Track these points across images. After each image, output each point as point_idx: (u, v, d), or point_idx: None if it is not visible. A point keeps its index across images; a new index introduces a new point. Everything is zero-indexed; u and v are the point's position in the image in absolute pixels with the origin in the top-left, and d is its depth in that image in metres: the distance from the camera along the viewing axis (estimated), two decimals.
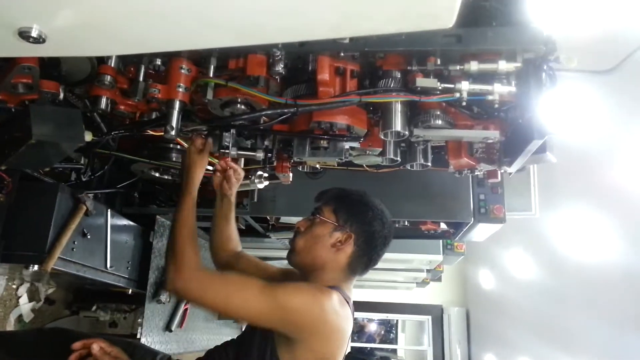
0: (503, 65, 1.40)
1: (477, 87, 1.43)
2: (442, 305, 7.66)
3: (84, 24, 0.92)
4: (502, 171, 1.79)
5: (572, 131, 3.07)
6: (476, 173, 1.79)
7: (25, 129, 1.43)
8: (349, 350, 1.57)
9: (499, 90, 1.43)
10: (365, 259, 1.56)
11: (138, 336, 2.55)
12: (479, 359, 6.96)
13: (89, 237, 2.05)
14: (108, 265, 2.21)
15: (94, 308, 3.22)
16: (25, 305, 2.85)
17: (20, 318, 2.83)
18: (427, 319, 7.78)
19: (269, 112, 1.55)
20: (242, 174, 1.82)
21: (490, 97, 1.45)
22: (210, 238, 1.85)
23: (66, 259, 1.93)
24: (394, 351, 8.88)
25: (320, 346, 1.38)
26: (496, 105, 1.50)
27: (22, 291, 2.82)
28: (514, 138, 1.59)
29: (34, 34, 0.90)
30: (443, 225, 2.84)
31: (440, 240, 3.61)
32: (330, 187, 1.66)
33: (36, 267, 1.85)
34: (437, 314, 7.65)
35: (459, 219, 2.46)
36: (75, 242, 1.97)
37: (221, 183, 1.77)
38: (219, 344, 1.59)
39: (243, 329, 1.60)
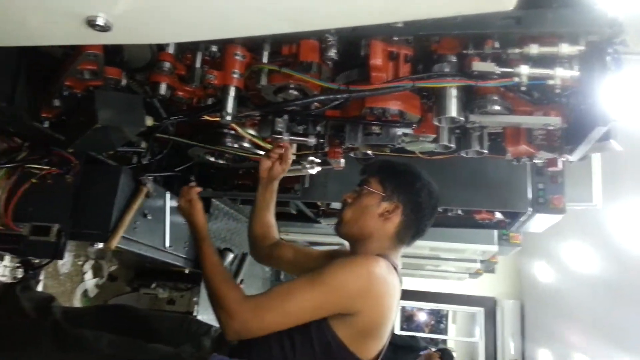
0: (565, 49, 1.34)
1: (538, 71, 1.36)
2: (495, 297, 7.47)
3: (147, 12, 0.96)
4: (563, 159, 1.72)
5: (639, 118, 2.89)
6: (535, 161, 1.73)
7: (90, 113, 1.50)
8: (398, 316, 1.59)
9: (560, 74, 1.36)
10: (412, 228, 1.59)
11: (194, 314, 2.66)
12: (533, 353, 6.76)
13: (149, 217, 2.15)
14: (167, 245, 2.31)
15: (153, 285, 3.37)
16: (89, 281, 3.03)
17: (85, 293, 3.01)
18: (479, 311, 7.62)
19: (321, 97, 1.56)
20: (292, 158, 1.84)
21: (551, 82, 1.38)
22: (250, 227, 1.88)
23: (129, 238, 2.03)
24: (444, 342, 8.77)
25: (371, 312, 1.40)
26: (557, 91, 1.43)
27: (87, 267, 3.00)
28: (576, 125, 1.51)
29: (100, 22, 0.95)
30: (498, 215, 2.76)
31: (495, 231, 3.51)
32: None
33: (101, 245, 1.96)
34: (490, 306, 7.48)
35: (516, 208, 2.38)
36: (137, 222, 2.07)
37: (269, 168, 1.80)
38: None
39: None
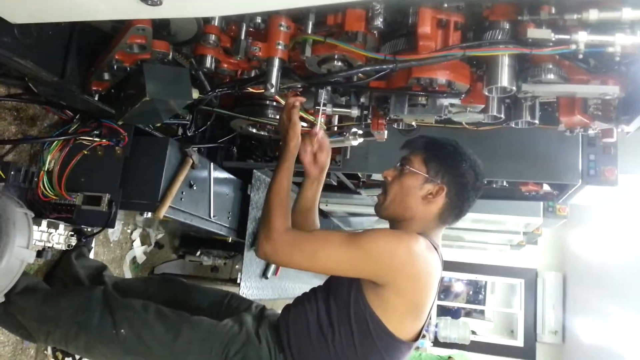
0: (628, 14, 1.24)
1: (597, 38, 1.28)
2: (536, 269, 7.35)
3: None
4: (619, 130, 1.64)
5: None
6: (589, 132, 1.66)
7: (139, 87, 1.53)
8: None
9: (621, 41, 1.28)
10: (456, 210, 1.55)
11: (238, 281, 2.73)
12: (574, 326, 6.66)
13: (194, 188, 2.20)
14: (212, 215, 2.37)
15: (198, 253, 3.48)
16: (138, 249, 3.15)
17: (134, 260, 3.13)
18: (519, 282, 7.54)
19: (367, 68, 1.53)
20: (329, 142, 1.77)
21: (610, 49, 1.31)
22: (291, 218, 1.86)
23: (176, 207, 2.09)
24: (482, 312, 8.75)
25: (409, 290, 1.39)
26: (617, 58, 1.34)
27: (136, 235, 3.12)
28: (635, 94, 1.44)
29: None
30: (546, 187, 2.68)
31: (541, 202, 3.42)
32: None
33: (149, 215, 2.02)
34: (530, 278, 7.38)
35: (565, 180, 2.31)
36: (183, 193, 2.12)
37: (312, 162, 1.72)
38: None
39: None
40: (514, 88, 1.41)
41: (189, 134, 2.32)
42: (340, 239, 1.40)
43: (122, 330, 1.60)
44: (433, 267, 1.42)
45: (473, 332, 7.45)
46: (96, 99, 1.74)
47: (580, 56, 1.34)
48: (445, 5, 1.37)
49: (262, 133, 2.47)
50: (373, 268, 1.37)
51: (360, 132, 2.09)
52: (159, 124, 2.14)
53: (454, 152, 1.54)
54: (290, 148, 1.59)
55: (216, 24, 1.53)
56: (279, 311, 1.70)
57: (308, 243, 1.43)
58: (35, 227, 1.76)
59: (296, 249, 1.42)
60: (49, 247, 1.89)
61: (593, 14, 1.25)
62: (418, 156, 1.56)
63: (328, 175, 2.83)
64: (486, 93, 1.47)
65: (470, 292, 8.99)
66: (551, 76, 1.40)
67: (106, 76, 1.64)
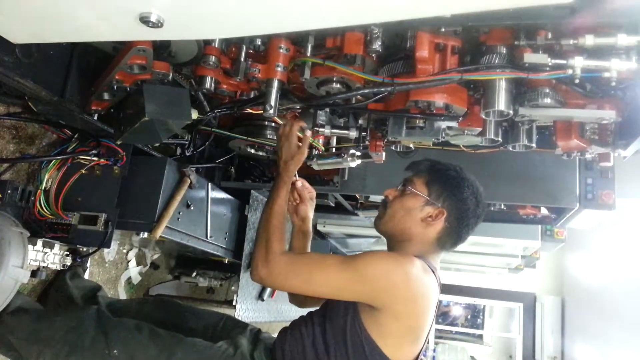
0: (623, 40, 1.27)
1: (592, 63, 1.30)
2: (535, 293, 7.30)
3: (199, 7, 0.97)
4: (616, 154, 1.65)
5: None
6: (586, 156, 1.66)
7: (139, 107, 1.54)
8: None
9: (617, 66, 1.30)
10: (454, 236, 1.52)
11: (234, 303, 2.70)
12: (573, 352, 6.59)
13: (192, 208, 2.19)
14: (208, 235, 2.35)
15: (194, 274, 3.44)
16: (133, 269, 3.12)
17: (129, 280, 3.10)
18: (518, 306, 7.47)
19: (365, 90, 1.54)
20: (314, 193, 1.76)
21: (606, 74, 1.32)
22: None
23: (172, 228, 2.07)
24: (480, 337, 8.65)
25: (405, 313, 1.36)
26: (613, 83, 1.36)
27: (131, 256, 3.09)
28: (632, 119, 1.45)
29: (153, 18, 0.96)
30: (543, 210, 2.68)
31: (539, 226, 3.42)
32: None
33: (146, 235, 2.01)
34: (529, 302, 7.32)
35: (563, 204, 2.31)
36: (180, 213, 2.11)
37: (296, 209, 1.72)
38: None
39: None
40: (511, 112, 1.42)
41: (188, 154, 2.32)
42: (337, 261, 1.39)
43: (115, 351, 1.57)
44: (430, 289, 1.40)
45: (472, 357, 7.36)
46: (95, 118, 1.75)
47: (577, 81, 1.35)
48: (443, 29, 1.39)
49: (261, 153, 2.47)
50: (369, 291, 1.35)
51: (358, 153, 2.10)
52: (157, 144, 2.14)
53: (457, 177, 1.52)
54: (290, 173, 1.59)
55: (216, 46, 1.55)
56: (275, 334, 1.67)
57: (304, 266, 1.42)
58: (30, 247, 1.74)
59: (292, 271, 1.41)
60: (43, 267, 1.87)
61: (589, 40, 1.27)
62: (421, 178, 1.55)
63: (326, 197, 2.83)
64: (483, 116, 1.49)
65: (469, 316, 8.90)
66: (548, 100, 1.41)
67: (106, 96, 1.65)
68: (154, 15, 0.96)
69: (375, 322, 1.39)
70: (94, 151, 1.95)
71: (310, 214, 1.74)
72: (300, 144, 1.58)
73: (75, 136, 2.00)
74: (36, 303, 2.04)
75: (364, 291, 1.36)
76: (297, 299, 1.77)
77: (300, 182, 1.71)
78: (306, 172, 2.16)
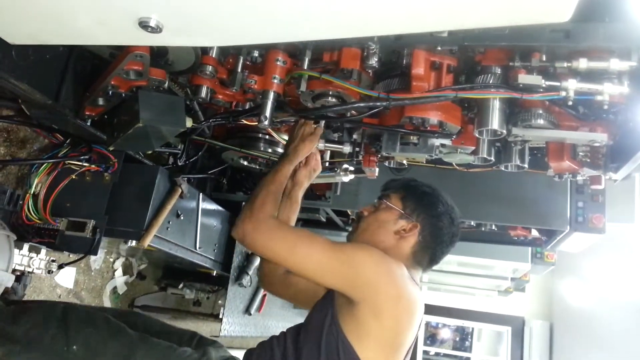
0: (615, 64, 1.29)
1: (586, 86, 1.32)
2: (524, 317, 7.27)
3: (198, 14, 0.97)
4: (607, 177, 1.66)
5: None
6: (578, 178, 1.68)
7: (133, 112, 1.53)
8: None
9: (609, 90, 1.32)
10: (429, 252, 1.51)
11: (220, 316, 2.67)
12: None
13: (182, 218, 2.18)
14: (197, 247, 2.33)
15: (180, 286, 3.40)
16: (119, 278, 3.07)
17: (114, 290, 3.06)
18: (506, 330, 7.43)
19: (360, 104, 1.55)
20: (319, 167, 1.78)
21: (599, 98, 1.34)
22: None
23: (161, 237, 2.05)
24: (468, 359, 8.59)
25: (386, 312, 1.31)
26: (605, 107, 1.38)
27: (118, 265, 3.05)
28: (623, 142, 1.47)
29: (152, 23, 0.96)
30: (534, 233, 2.69)
31: (529, 248, 3.42)
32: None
33: (134, 243, 1.98)
34: (517, 326, 7.27)
35: (554, 226, 2.32)
36: (170, 222, 2.09)
37: (294, 171, 1.70)
38: None
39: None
40: (504, 131, 1.43)
41: (180, 163, 2.31)
42: (326, 241, 1.37)
43: (75, 347, 1.52)
44: (414, 297, 1.36)
45: None
46: (89, 124, 1.74)
47: (570, 103, 1.37)
48: (439, 48, 1.40)
49: (254, 166, 2.47)
50: (352, 277, 1.31)
51: (352, 168, 2.10)
52: (149, 152, 2.13)
53: (431, 193, 1.54)
54: (299, 155, 1.63)
55: (214, 55, 1.55)
56: None
57: (292, 235, 1.40)
58: (16, 251, 1.71)
59: (278, 235, 1.38)
60: (29, 272, 1.84)
61: (583, 63, 1.29)
62: (397, 193, 1.56)
63: (317, 211, 2.82)
64: (477, 135, 1.49)
65: (457, 339, 8.84)
66: (541, 121, 1.42)
67: (100, 101, 1.64)
68: (153, 20, 0.96)
69: (353, 319, 1.32)
70: (85, 157, 1.94)
71: (306, 183, 1.74)
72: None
73: (67, 141, 1.99)
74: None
75: (346, 276, 1.32)
76: (271, 280, 1.68)
77: (318, 157, 1.74)
78: None
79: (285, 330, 1.54)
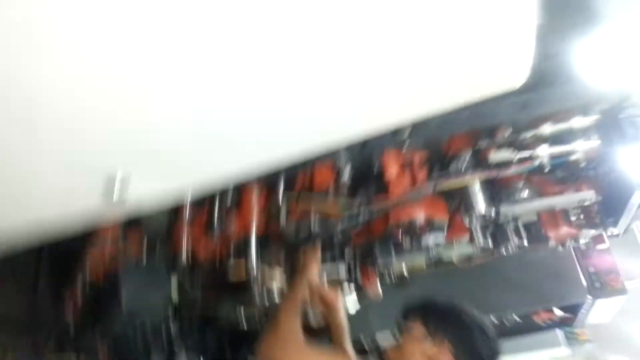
0: (578, 122, 1.33)
1: (557, 149, 1.34)
2: None
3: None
4: (609, 234, 1.62)
5: None
6: (580, 242, 1.63)
7: (116, 301, 1.45)
8: None
9: (581, 147, 1.34)
10: None
11: None
12: None
13: None
14: None
15: None
16: None
17: None
18: None
19: (345, 225, 1.51)
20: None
21: (574, 157, 1.35)
22: None
23: None
24: None
25: None
26: (582, 164, 1.40)
27: None
28: (612, 194, 1.46)
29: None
30: (558, 312, 2.53)
31: (560, 331, 3.18)
32: (421, 294, 1.51)
33: None
34: None
35: (574, 299, 2.19)
36: None
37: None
38: None
39: None
40: (492, 213, 1.41)
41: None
42: None
43: None
44: None
45: None
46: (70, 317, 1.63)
47: (547, 170, 1.37)
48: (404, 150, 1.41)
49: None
50: None
51: (355, 298, 1.99)
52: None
53: (452, 308, 1.38)
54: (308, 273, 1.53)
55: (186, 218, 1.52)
56: None
57: None
58: None
59: None
60: None
61: (547, 128, 1.32)
62: (416, 320, 1.37)
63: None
64: (466, 223, 1.46)
65: None
66: (525, 194, 1.41)
67: (79, 294, 1.56)
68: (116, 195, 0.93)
69: None
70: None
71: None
72: None
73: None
74: None
75: None
76: None
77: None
78: None
79: None
